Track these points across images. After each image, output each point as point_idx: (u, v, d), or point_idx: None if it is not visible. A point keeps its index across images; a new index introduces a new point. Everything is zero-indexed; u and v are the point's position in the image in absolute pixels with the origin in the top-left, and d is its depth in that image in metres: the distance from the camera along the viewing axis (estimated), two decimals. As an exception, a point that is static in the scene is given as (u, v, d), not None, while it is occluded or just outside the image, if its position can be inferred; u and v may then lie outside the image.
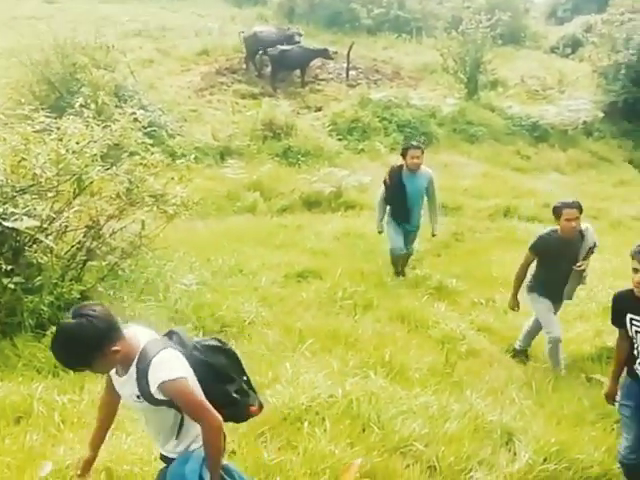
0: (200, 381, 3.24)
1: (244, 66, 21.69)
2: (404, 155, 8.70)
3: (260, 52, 21.23)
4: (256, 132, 16.12)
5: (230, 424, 4.76)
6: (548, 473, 4.81)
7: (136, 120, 7.32)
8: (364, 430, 4.94)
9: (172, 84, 19.85)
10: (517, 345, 7.32)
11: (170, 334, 3.46)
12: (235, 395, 3.38)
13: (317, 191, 13.45)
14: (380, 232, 9.18)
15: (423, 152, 8.78)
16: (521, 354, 7.27)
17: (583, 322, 7.89)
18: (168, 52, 22.82)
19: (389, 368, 6.09)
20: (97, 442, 3.63)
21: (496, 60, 21.86)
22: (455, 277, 9.35)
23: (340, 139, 17.24)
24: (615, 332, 6.02)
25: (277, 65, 20.47)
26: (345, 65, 22.26)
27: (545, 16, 36.81)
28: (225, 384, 3.37)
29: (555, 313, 6.92)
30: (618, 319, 4.59)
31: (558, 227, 6.58)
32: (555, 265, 6.60)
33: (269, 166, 14.47)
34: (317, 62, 22.09)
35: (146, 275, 7.30)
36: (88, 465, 3.56)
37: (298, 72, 21.23)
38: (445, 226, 12.30)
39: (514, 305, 7.03)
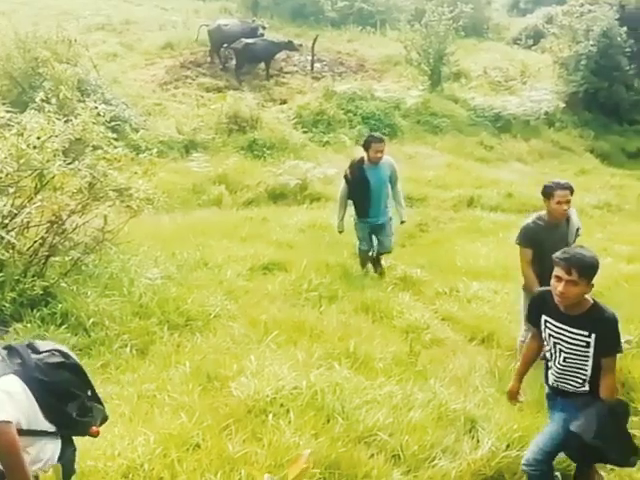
0: (39, 403, 3.06)
1: (209, 59, 21.60)
2: (366, 148, 8.43)
3: (224, 45, 21.14)
4: (221, 125, 16.07)
5: (197, 415, 4.86)
6: (511, 459, 4.87)
7: (99, 114, 7.27)
8: (328, 421, 4.95)
9: (136, 78, 19.71)
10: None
11: (11, 350, 3.17)
12: (76, 417, 3.21)
13: (282, 184, 13.46)
14: (340, 232, 9.03)
15: (384, 145, 8.55)
16: None
17: (544, 310, 7.92)
18: (132, 46, 22.64)
19: (354, 359, 6.09)
20: None
21: (459, 52, 22.00)
22: (419, 267, 9.42)
23: (305, 132, 17.24)
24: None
25: (241, 58, 20.40)
26: (310, 58, 22.27)
27: (507, 8, 37.05)
28: (66, 403, 3.19)
29: None
30: (534, 318, 4.50)
31: (543, 212, 6.23)
32: (544, 254, 5.83)
33: (234, 159, 14.44)
34: (282, 55, 22.08)
35: (110, 270, 7.24)
36: None
37: (263, 65, 21.18)
38: (410, 217, 12.39)
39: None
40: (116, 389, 5.43)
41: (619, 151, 21.11)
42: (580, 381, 4.32)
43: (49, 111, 6.78)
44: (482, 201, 13.90)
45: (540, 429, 5.13)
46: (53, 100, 7.32)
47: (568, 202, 6.02)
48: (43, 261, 6.63)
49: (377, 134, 9.02)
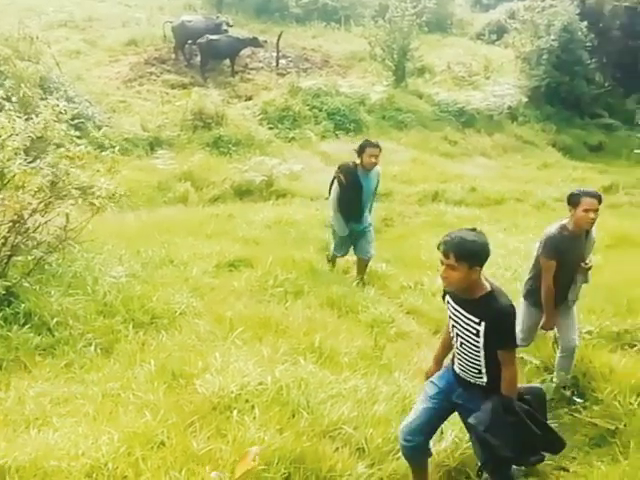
0: None
1: (173, 56, 21.48)
2: (360, 153, 8.02)
3: (189, 42, 21.03)
4: (186, 122, 16.04)
5: (161, 413, 4.85)
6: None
7: (61, 112, 7.21)
8: (294, 416, 4.95)
9: (100, 75, 19.56)
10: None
11: None
12: None
13: (248, 180, 13.46)
14: (338, 239, 8.68)
15: (381, 151, 8.15)
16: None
17: (508, 302, 8.00)
18: (95, 43, 22.40)
19: (319, 353, 6.11)
20: None
21: (423, 47, 22.18)
22: (385, 261, 9.46)
23: (271, 128, 17.30)
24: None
25: (206, 54, 20.35)
26: (275, 54, 22.25)
27: (470, 3, 37.21)
28: None
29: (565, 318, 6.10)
30: (444, 297, 4.45)
31: (566, 221, 5.76)
32: (563, 266, 5.78)
33: (200, 156, 14.40)
34: (247, 51, 22.08)
35: (74, 269, 7.16)
36: None
37: (228, 61, 21.13)
38: (375, 212, 12.48)
39: (552, 325, 6.10)
40: (80, 388, 5.37)
41: (581, 144, 21.41)
42: (476, 371, 4.21)
43: (10, 109, 6.70)
44: (446, 195, 14.03)
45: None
46: (14, 98, 7.24)
47: (596, 211, 5.57)
48: (5, 261, 6.54)
49: (373, 140, 8.39)
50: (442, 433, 5.04)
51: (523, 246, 10.22)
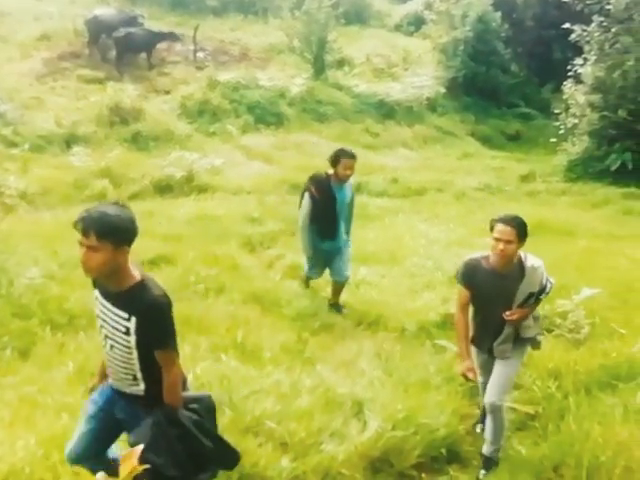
0: None
1: (87, 51, 20.94)
2: (334, 163, 7.27)
3: (103, 36, 20.56)
4: (102, 118, 15.64)
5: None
6: (397, 439, 4.98)
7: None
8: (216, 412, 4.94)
9: (11, 71, 18.83)
10: None
11: None
12: None
13: (168, 175, 13.22)
14: (309, 255, 7.82)
15: (356, 161, 7.39)
16: None
17: (430, 291, 8.11)
18: (6, 38, 21.49)
19: (242, 349, 6.10)
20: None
21: (341, 39, 22.26)
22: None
23: (190, 122, 17.10)
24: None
25: (122, 48, 19.87)
26: (192, 47, 21.96)
27: (389, -5, 37.56)
28: None
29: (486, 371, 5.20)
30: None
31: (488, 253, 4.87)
32: (484, 304, 4.96)
33: (117, 152, 14.02)
34: (163, 45, 21.65)
35: (-14, 271, 6.98)
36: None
37: (144, 55, 20.74)
38: (298, 205, 12.46)
39: (466, 369, 4.94)
40: (-4, 393, 5.24)
41: (499, 134, 21.91)
42: (130, 378, 3.65)
43: None
44: (369, 187, 14.10)
45: (425, 408, 5.31)
46: None
47: (508, 242, 4.62)
48: None
49: (348, 148, 7.60)
50: (365, 424, 5.09)
51: (444, 235, 10.40)
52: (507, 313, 4.83)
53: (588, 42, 16.43)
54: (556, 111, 17.75)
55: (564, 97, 17.25)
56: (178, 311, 6.74)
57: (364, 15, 30.78)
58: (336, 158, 7.28)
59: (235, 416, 4.90)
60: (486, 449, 5.07)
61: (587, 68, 16.37)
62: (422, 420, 5.17)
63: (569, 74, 16.83)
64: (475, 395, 5.80)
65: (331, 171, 7.34)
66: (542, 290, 4.91)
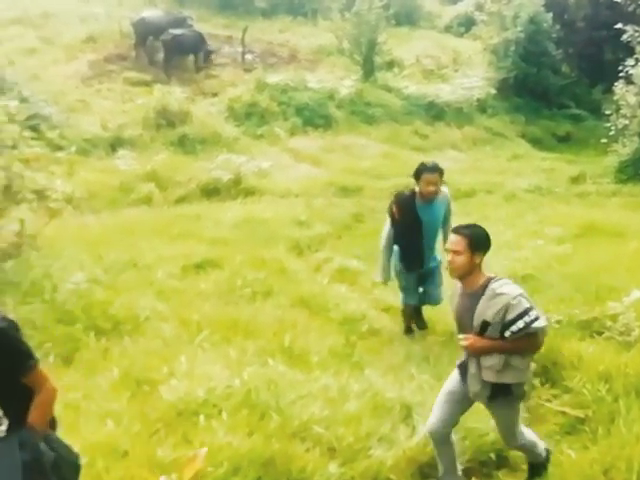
0: None
1: (134, 53, 21.13)
2: (417, 178, 6.50)
3: (151, 38, 20.71)
4: (149, 121, 15.75)
5: (125, 422, 4.68)
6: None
7: (14, 113, 6.98)
8: (263, 418, 4.86)
9: (57, 74, 19.07)
10: None
11: None
12: None
13: (215, 179, 13.20)
14: (386, 282, 7.15)
15: (442, 175, 6.56)
16: None
17: (480, 295, 7.94)
18: (52, 40, 21.80)
19: (289, 353, 6.03)
20: None
21: (391, 41, 22.11)
22: (356, 258, 9.38)
23: (238, 125, 17.12)
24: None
25: (170, 50, 20.02)
26: (240, 49, 22.02)
27: (438, -5, 37.29)
28: None
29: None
30: None
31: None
32: (457, 326, 4.53)
33: (164, 155, 14.10)
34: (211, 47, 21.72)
35: (31, 276, 6.99)
36: None
37: (192, 58, 20.85)
38: (346, 208, 12.36)
39: None
40: (38, 400, 5.19)
41: (549, 135, 21.58)
42: None
43: (-42, 111, 6.47)
44: (417, 190, 13.89)
45: (474, 412, 5.14)
46: (-40, 99, 7.00)
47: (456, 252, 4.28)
48: (-45, 269, 6.33)
49: (430, 162, 6.71)
50: (414, 429, 5.00)
51: (493, 237, 10.12)
52: (460, 336, 4.30)
53: (640, 43, 16.03)
54: (607, 112, 17.35)
55: (615, 98, 16.83)
56: (225, 315, 6.82)
57: (414, 16, 30.62)
58: (417, 173, 6.49)
59: (282, 421, 4.83)
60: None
61: (639, 69, 15.95)
62: (471, 424, 5.05)
63: (620, 75, 16.44)
64: (524, 400, 5.66)
65: (417, 188, 6.57)
66: (505, 325, 4.11)
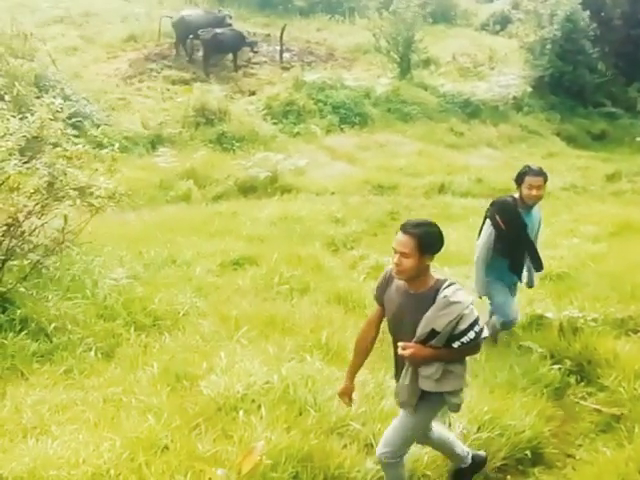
0: None
1: (174, 51, 21.32)
2: (519, 183, 6.10)
3: (190, 36, 20.89)
4: (188, 119, 15.89)
5: (165, 416, 4.75)
6: (481, 441, 4.92)
7: (57, 111, 7.11)
8: (301, 414, 4.93)
9: (98, 72, 19.35)
10: None
11: None
12: None
13: (252, 176, 13.32)
14: (498, 299, 6.43)
15: (546, 179, 6.15)
16: None
17: (516, 292, 7.94)
18: (93, 39, 22.11)
19: (326, 350, 6.07)
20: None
21: (428, 39, 22.01)
22: (391, 255, 9.33)
23: (275, 123, 17.18)
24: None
25: (209, 49, 20.17)
26: (278, 48, 22.11)
27: (474, -6, 37.03)
28: None
29: None
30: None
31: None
32: (392, 327, 4.24)
33: (202, 153, 14.26)
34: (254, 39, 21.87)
35: (72, 272, 7.09)
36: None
37: (230, 56, 21.00)
38: (381, 205, 12.38)
39: (340, 392, 4.44)
40: (80, 394, 5.31)
41: (584, 133, 21.35)
42: None
43: (3, 108, 6.60)
44: (453, 187, 13.97)
45: (510, 409, 5.20)
46: (7, 97, 7.14)
47: (403, 254, 3.92)
48: (0, 266, 6.45)
49: (535, 165, 6.31)
50: (450, 425, 5.01)
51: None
52: (400, 344, 3.93)
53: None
54: (643, 110, 17.22)
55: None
56: (263, 311, 6.89)
57: (451, 14, 30.43)
58: (520, 177, 6.10)
59: (320, 417, 4.90)
60: None
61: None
62: (507, 422, 5.11)
63: (657, 73, 16.26)
64: (560, 397, 5.82)
65: (517, 194, 6.17)
66: (455, 337, 3.83)
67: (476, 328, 3.84)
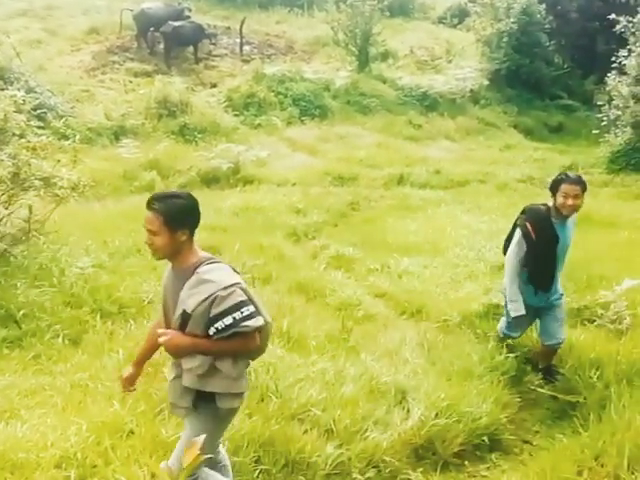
0: None
1: (136, 44, 21.26)
2: (554, 191, 5.62)
3: (151, 29, 20.84)
4: (150, 110, 15.90)
5: (130, 402, 4.86)
6: (439, 427, 5.03)
7: (21, 102, 7.17)
8: (262, 400, 5.01)
9: (62, 64, 19.29)
10: None
11: None
12: None
13: (215, 167, 13.41)
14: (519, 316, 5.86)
15: (585, 189, 5.62)
16: None
17: (472, 281, 8.10)
18: (56, 32, 22.01)
19: (287, 338, 6.16)
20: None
21: (385, 32, 22.20)
22: (352, 245, 9.52)
23: (236, 115, 17.27)
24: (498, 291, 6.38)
25: (170, 42, 20.17)
26: (238, 40, 22.14)
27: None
28: None
29: None
30: None
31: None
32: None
33: (165, 144, 14.30)
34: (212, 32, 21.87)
35: (40, 260, 7.16)
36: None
37: (191, 49, 21.01)
38: (341, 196, 12.58)
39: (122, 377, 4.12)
40: (48, 380, 5.39)
41: (541, 126, 21.69)
42: None
43: (-37, 101, 6.65)
44: (411, 179, 14.18)
45: (467, 396, 5.35)
46: (-33, 90, 7.17)
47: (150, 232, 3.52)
48: (-31, 255, 6.52)
49: (573, 172, 5.96)
50: (408, 412, 5.14)
51: (486, 226, 10.40)
52: (159, 330, 3.53)
53: (633, 33, 16.20)
54: (599, 103, 17.57)
55: (607, 89, 17.04)
56: None
57: (408, 7, 30.61)
58: (555, 184, 5.61)
59: (281, 403, 4.99)
60: None
61: (632, 60, 16.12)
62: (464, 408, 5.21)
63: (613, 66, 16.61)
64: (517, 385, 5.89)
65: (551, 202, 5.70)
66: (211, 321, 3.37)
67: (236, 314, 3.34)
